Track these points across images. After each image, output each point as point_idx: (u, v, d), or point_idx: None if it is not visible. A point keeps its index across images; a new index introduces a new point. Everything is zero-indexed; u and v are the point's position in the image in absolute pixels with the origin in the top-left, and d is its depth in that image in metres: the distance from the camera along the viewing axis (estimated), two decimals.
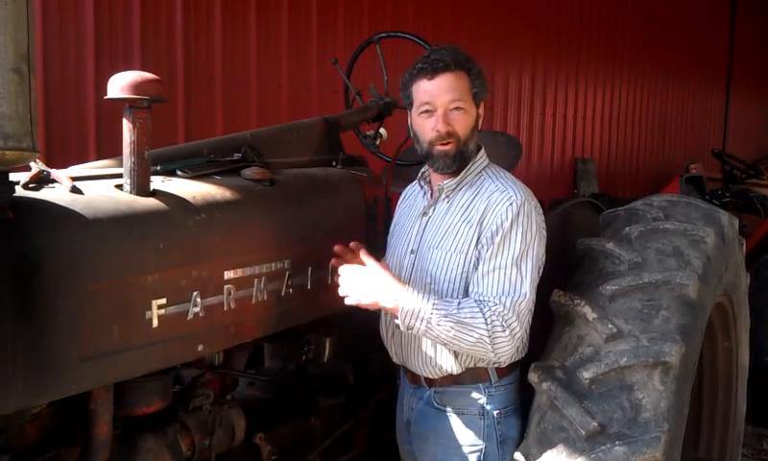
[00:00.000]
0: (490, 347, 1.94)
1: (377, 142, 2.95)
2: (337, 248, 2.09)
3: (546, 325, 2.22)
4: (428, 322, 1.91)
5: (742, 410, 3.04)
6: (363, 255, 2.01)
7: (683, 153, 10.46)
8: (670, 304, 2.13)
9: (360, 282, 1.97)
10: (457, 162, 2.09)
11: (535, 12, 7.53)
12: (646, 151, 9.84)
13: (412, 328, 1.95)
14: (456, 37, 5.85)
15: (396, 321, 1.99)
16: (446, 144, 2.07)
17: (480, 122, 2.15)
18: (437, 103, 2.06)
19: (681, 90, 10.54)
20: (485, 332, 1.92)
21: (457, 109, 2.06)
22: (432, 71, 2.05)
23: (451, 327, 1.91)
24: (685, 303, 2.14)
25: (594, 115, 8.74)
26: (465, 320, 1.91)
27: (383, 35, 3.00)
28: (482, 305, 1.94)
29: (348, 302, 2.00)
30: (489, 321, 1.92)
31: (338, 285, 2.01)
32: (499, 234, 1.99)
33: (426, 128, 2.09)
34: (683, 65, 10.39)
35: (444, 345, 2.01)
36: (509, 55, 7.22)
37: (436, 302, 1.94)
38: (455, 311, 1.92)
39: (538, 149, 7.90)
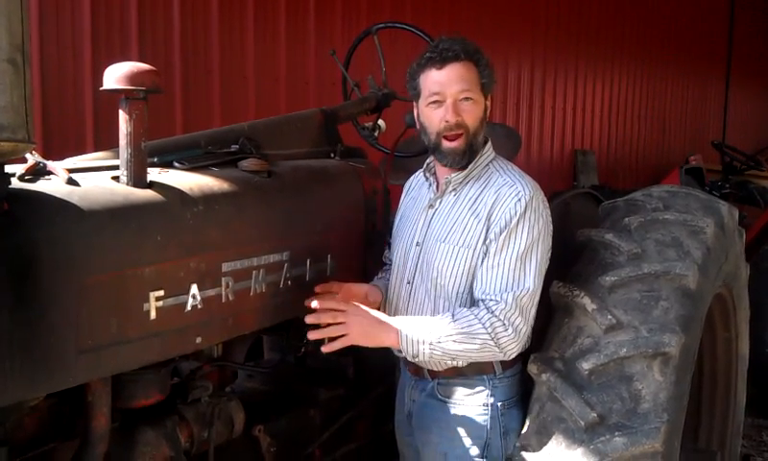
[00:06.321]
0: (496, 349, 1.95)
1: (376, 134, 2.93)
2: (318, 288, 2.05)
3: (546, 316, 2.22)
4: (430, 344, 1.94)
5: (742, 401, 3.04)
6: (348, 296, 2.02)
7: (682, 144, 10.47)
8: (670, 295, 2.12)
9: (356, 326, 1.95)
10: (467, 157, 2.07)
11: (534, 4, 7.50)
12: (646, 142, 9.83)
13: (417, 356, 1.97)
14: (455, 29, 5.82)
15: (397, 353, 2.03)
16: (455, 139, 2.04)
17: (488, 113, 2.12)
18: (446, 93, 2.02)
19: (680, 82, 10.53)
20: (486, 336, 1.93)
21: (466, 99, 2.03)
22: (441, 61, 2.02)
23: (453, 342, 1.93)
24: (685, 293, 2.14)
25: (594, 107, 8.73)
26: (463, 330, 1.93)
27: (381, 25, 2.98)
28: (476, 311, 1.95)
29: (345, 343, 1.96)
30: (487, 324, 1.93)
31: (327, 324, 1.95)
32: (506, 230, 1.98)
33: (435, 119, 2.05)
34: (682, 57, 10.37)
35: (454, 359, 2.02)
36: (508, 46, 7.20)
37: (430, 322, 1.98)
38: (451, 325, 1.94)
39: (537, 141, 7.89)
